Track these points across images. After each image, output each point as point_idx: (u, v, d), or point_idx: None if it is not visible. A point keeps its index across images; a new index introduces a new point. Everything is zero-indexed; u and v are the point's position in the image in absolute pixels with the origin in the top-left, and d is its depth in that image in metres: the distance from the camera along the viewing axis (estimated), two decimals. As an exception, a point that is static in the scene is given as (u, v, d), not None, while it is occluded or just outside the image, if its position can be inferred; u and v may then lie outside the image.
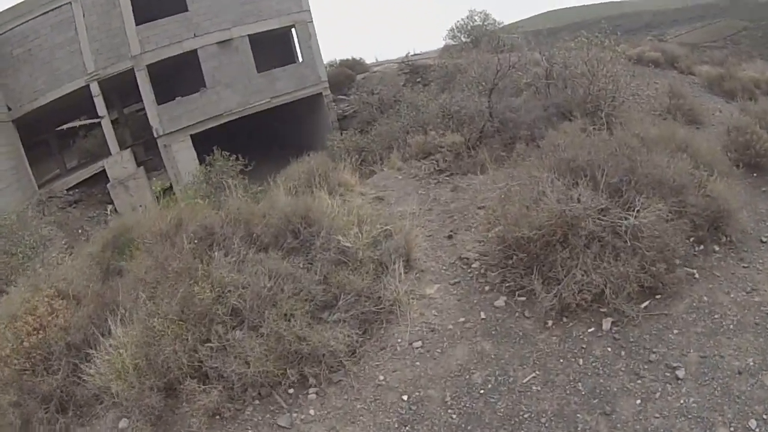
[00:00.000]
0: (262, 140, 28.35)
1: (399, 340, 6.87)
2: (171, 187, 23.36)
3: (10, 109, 23.29)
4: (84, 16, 22.67)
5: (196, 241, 7.68)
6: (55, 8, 22.64)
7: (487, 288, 7.56)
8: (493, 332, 6.83)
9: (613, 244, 6.89)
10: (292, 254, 7.47)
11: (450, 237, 8.98)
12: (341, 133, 23.04)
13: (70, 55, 23.10)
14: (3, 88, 23.10)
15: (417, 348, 6.75)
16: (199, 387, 6.24)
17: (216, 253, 7.37)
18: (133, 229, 9.83)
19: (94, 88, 23.40)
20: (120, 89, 27.58)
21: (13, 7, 22.80)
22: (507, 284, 7.40)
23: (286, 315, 6.49)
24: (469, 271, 7.98)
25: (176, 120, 23.73)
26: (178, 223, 8.22)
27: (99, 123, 24.52)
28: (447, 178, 11.79)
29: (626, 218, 6.93)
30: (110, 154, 24.14)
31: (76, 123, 32.61)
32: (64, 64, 23.25)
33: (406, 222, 8.56)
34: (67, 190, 24.46)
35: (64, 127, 33.04)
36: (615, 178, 7.46)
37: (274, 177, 12.00)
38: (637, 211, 6.98)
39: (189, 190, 14.69)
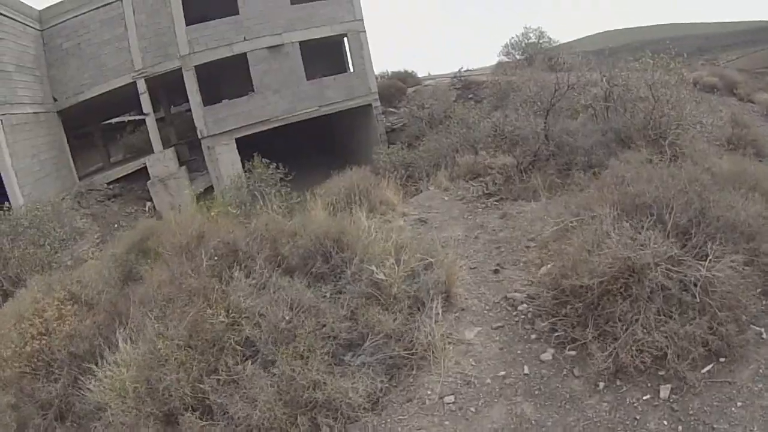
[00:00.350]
0: (309, 148, 27.96)
1: (429, 392, 6.00)
2: (212, 189, 23.15)
3: (56, 100, 23.40)
4: (134, 13, 22.69)
5: (216, 258, 7.06)
6: (106, 4, 22.72)
7: (533, 337, 6.64)
8: (536, 392, 5.94)
9: (680, 297, 5.99)
10: (320, 281, 6.77)
11: (496, 271, 8.12)
12: (389, 146, 22.56)
13: (117, 51, 23.11)
14: (51, 79, 23.20)
15: (448, 404, 5.86)
16: (200, 421, 5.57)
17: (236, 273, 6.73)
18: (161, 233, 9.39)
19: (141, 86, 23.36)
20: (167, 88, 27.51)
21: (65, 0, 22.92)
22: (556, 334, 6.47)
23: (302, 355, 5.75)
24: (514, 314, 7.05)
25: (221, 122, 23.44)
26: (199, 235, 7.62)
27: (145, 120, 24.40)
28: (496, 202, 11.02)
29: (697, 269, 6.03)
30: (153, 151, 23.99)
31: (124, 118, 33.05)
32: (112, 59, 23.30)
33: (450, 251, 7.81)
34: (107, 183, 24.43)
35: (113, 121, 33.47)
36: (684, 218, 6.59)
37: (315, 188, 11.45)
38: (710, 260, 6.07)
39: (226, 195, 14.16)
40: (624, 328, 5.89)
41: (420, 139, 20.34)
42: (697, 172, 7.83)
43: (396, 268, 6.72)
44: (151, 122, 23.99)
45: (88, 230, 21.47)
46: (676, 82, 12.26)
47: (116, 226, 19.46)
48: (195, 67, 23.26)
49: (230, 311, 6.30)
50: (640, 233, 6.30)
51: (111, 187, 24.34)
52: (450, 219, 10.46)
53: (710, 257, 6.09)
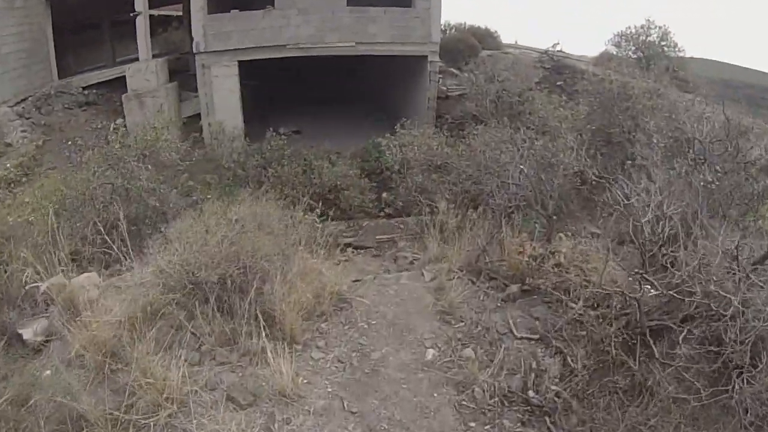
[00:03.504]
0: (340, 92, 20.52)
1: None
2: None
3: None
4: None
5: None
6: None
7: None
8: None
9: None
10: None
11: None
12: (435, 120, 16.50)
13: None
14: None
15: None
16: None
17: None
18: None
19: (136, -27, 16.72)
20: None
21: None
22: None
23: None
24: None
25: (224, 38, 16.38)
26: None
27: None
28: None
29: None
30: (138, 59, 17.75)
31: (172, 12, 26.34)
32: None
33: None
34: (83, 87, 18.70)
35: (154, 13, 26.72)
36: None
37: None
38: None
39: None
40: None
41: (476, 124, 12.36)
42: None
43: None
44: (141, 24, 17.48)
45: (13, 151, 15.31)
46: None
47: (70, 142, 12.57)
48: (209, -42, 16.11)
49: None
50: None
51: (86, 92, 18.53)
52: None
53: None
